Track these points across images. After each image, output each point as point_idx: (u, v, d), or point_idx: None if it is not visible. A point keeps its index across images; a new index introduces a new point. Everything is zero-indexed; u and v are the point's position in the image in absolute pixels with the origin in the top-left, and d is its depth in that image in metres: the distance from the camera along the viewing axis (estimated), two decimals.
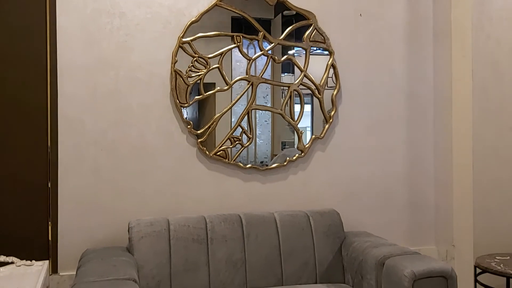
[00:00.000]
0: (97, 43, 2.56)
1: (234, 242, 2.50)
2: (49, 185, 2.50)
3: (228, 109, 2.75)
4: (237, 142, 2.78)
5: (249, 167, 2.80)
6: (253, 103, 2.79)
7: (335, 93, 2.94)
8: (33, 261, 2.23)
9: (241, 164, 2.78)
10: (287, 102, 2.86)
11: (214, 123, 2.72)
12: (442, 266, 2.15)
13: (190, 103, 2.67)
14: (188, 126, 2.68)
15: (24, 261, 2.20)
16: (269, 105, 2.87)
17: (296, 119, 2.88)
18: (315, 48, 2.93)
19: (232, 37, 2.75)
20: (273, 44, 2.81)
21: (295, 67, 2.88)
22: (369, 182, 3.02)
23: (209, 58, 2.70)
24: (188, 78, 2.66)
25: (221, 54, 2.72)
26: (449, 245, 3.04)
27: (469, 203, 2.90)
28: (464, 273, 2.87)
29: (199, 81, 2.67)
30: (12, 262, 2.20)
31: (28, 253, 2.33)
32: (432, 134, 3.14)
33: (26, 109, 2.47)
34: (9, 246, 2.36)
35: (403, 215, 3.08)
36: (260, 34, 2.79)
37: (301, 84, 2.88)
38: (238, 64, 2.79)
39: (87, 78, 2.55)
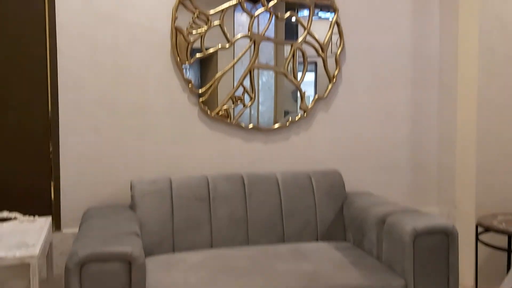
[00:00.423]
0: None
1: (236, 201, 2.51)
2: (50, 144, 2.50)
3: (229, 68, 2.71)
4: (239, 102, 2.75)
5: (251, 128, 2.78)
6: (256, 62, 2.75)
7: (339, 52, 2.88)
8: (36, 216, 2.25)
9: (243, 125, 2.76)
10: (290, 62, 2.81)
11: (216, 82, 2.68)
12: (444, 222, 2.15)
13: (191, 61, 2.63)
14: (189, 85, 2.65)
15: (27, 217, 2.22)
16: (272, 71, 2.82)
17: (299, 79, 2.84)
18: (319, 10, 2.86)
19: None
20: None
21: (299, 31, 2.81)
22: (372, 142, 3.00)
23: (210, 14, 2.64)
24: (189, 35, 2.61)
25: (222, 10, 2.66)
26: (451, 206, 3.05)
27: (472, 163, 2.88)
28: (466, 232, 2.89)
29: (200, 39, 2.62)
30: (15, 218, 2.22)
31: (31, 211, 2.35)
32: (437, 94, 3.11)
33: (26, 66, 2.45)
34: (11, 203, 2.37)
35: (405, 176, 3.08)
36: None
37: (304, 42, 2.83)
38: (241, 28, 2.72)
39: (86, 34, 2.50)
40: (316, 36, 2.84)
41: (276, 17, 2.77)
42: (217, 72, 2.69)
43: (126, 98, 2.59)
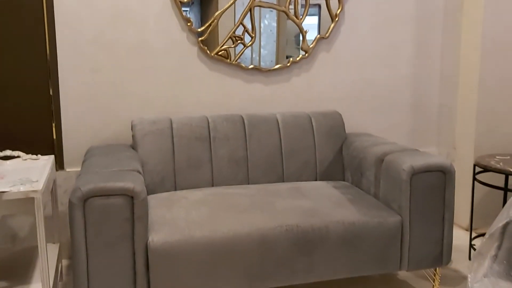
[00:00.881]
0: None
1: (236, 141, 2.52)
2: (50, 84, 2.49)
3: (230, 5, 2.64)
4: (239, 41, 2.71)
5: (252, 68, 2.75)
6: None
7: None
8: (39, 155, 2.27)
9: (243, 65, 2.73)
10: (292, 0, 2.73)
11: (215, 20, 2.63)
12: (441, 160, 2.17)
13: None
14: (188, 24, 2.60)
15: (30, 155, 2.24)
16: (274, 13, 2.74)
17: (300, 17, 2.77)
18: None
19: None
20: None
21: None
22: (373, 83, 2.98)
23: None
24: None
25: None
26: (450, 147, 3.07)
27: (473, 104, 2.87)
28: (463, 174, 2.93)
29: None
30: (18, 156, 2.24)
31: (34, 151, 2.37)
32: (441, 34, 3.04)
33: (23, 5, 2.39)
34: (14, 144, 2.39)
35: (406, 117, 3.08)
36: None
37: None
38: None
39: None
40: None
41: None
42: (218, 10, 2.63)
43: (125, 38, 2.55)
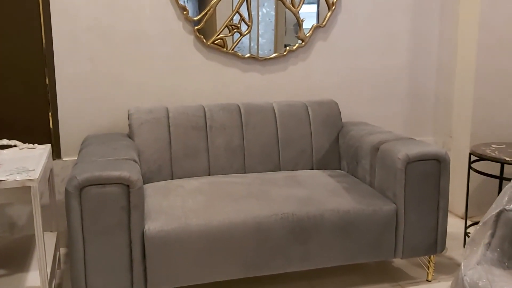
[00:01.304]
0: None
1: (232, 130, 2.53)
2: (46, 74, 2.48)
3: None
4: (235, 30, 2.70)
5: (248, 57, 2.75)
6: None
7: None
8: (36, 144, 2.28)
9: (240, 54, 2.73)
10: None
11: (211, 9, 2.62)
12: (436, 149, 2.18)
13: None
14: (184, 12, 2.59)
15: (26, 144, 2.25)
16: (272, 7, 2.74)
17: (297, 6, 2.76)
18: None
19: None
20: None
21: None
22: (370, 72, 2.98)
23: None
24: None
25: None
26: (446, 136, 3.08)
27: (469, 94, 2.88)
28: (459, 163, 2.94)
29: None
30: (15, 145, 2.24)
31: (30, 141, 2.38)
32: (438, 23, 3.04)
33: None
34: (11, 132, 2.40)
35: (402, 106, 3.08)
36: None
37: None
38: None
39: None
40: None
41: None
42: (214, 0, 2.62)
43: (120, 26, 2.54)
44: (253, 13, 2.71)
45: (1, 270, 2.01)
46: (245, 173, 2.52)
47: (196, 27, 2.62)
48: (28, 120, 2.49)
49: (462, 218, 2.94)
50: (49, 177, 2.26)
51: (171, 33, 2.61)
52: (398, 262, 2.49)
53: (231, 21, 2.68)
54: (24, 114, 2.48)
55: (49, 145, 2.31)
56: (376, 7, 2.91)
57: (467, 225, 2.69)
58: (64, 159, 2.57)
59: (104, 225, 1.83)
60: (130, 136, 2.43)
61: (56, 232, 2.38)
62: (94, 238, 1.83)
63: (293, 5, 2.76)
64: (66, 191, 1.80)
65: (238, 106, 2.59)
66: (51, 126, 2.53)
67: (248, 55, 2.74)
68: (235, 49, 2.71)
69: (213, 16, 2.64)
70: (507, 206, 1.88)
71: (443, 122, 3.10)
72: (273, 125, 2.59)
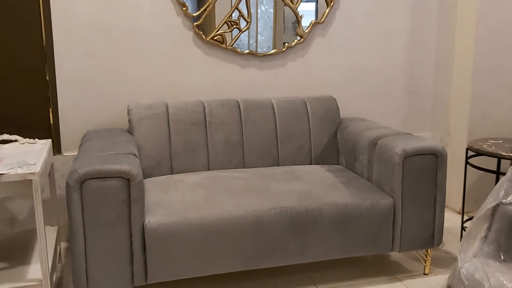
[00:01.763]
0: None
1: (232, 126, 2.55)
2: (46, 70, 2.50)
3: None
4: (234, 26, 2.72)
5: (247, 53, 2.77)
6: None
7: None
8: (36, 139, 2.30)
9: (239, 50, 2.74)
10: None
11: (210, 5, 2.64)
12: (433, 144, 2.20)
13: None
14: (184, 8, 2.60)
15: (27, 139, 2.26)
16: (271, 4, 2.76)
17: (296, 2, 2.78)
18: None
19: None
20: None
21: None
22: (368, 69, 3.00)
23: None
24: None
25: None
26: (444, 132, 3.10)
27: (467, 90, 2.90)
28: (456, 159, 2.96)
29: None
30: (16, 140, 2.26)
31: (31, 135, 2.39)
32: (436, 20, 3.06)
33: None
34: (12, 127, 2.41)
35: (400, 102, 3.10)
36: None
37: None
38: None
39: None
40: None
41: None
42: None
43: (120, 22, 2.56)
44: (252, 10, 2.72)
45: (3, 264, 2.02)
46: (244, 168, 2.54)
47: (195, 23, 2.64)
48: (28, 115, 2.50)
49: (459, 213, 2.97)
50: (49, 172, 2.27)
51: (170, 29, 2.63)
52: (395, 255, 2.51)
53: (230, 17, 2.69)
54: (24, 109, 2.49)
55: (49, 140, 2.32)
56: (374, 4, 2.93)
57: (464, 219, 2.71)
58: (64, 154, 2.58)
59: (104, 218, 1.85)
60: (130, 131, 2.45)
61: (57, 226, 2.40)
62: (94, 231, 1.85)
63: (292, 2, 2.77)
64: (67, 184, 1.82)
65: (237, 102, 2.61)
66: (51, 121, 2.55)
67: (247, 51, 2.76)
68: (234, 46, 2.73)
69: (212, 12, 2.66)
70: (504, 200, 1.90)
71: (441, 118, 3.13)
72: (272, 121, 2.61)
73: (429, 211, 2.21)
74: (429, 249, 2.30)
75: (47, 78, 2.51)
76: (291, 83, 2.87)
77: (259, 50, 2.79)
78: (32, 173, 1.79)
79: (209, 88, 2.74)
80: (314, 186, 2.23)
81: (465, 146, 2.67)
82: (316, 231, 2.08)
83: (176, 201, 2.05)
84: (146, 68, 2.63)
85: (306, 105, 2.69)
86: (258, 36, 2.79)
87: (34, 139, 2.28)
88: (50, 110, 2.54)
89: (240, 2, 2.68)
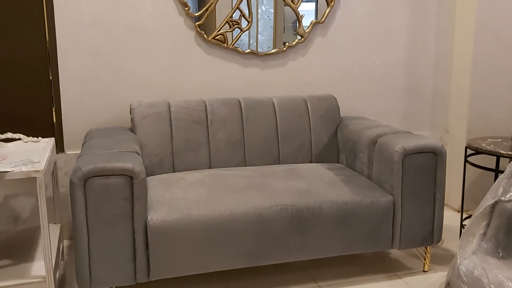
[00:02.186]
0: None
1: (233, 124, 2.57)
2: (49, 69, 2.52)
3: None
4: (235, 26, 2.74)
5: (248, 52, 2.79)
6: None
7: None
8: (39, 137, 2.32)
9: (240, 50, 2.77)
10: None
11: (212, 5, 2.66)
12: (433, 142, 2.23)
13: None
14: (185, 8, 2.63)
15: (30, 138, 2.29)
16: (271, 4, 2.76)
17: (296, 2, 2.80)
18: None
19: None
20: None
21: None
22: (368, 67, 3.02)
23: None
24: None
25: None
26: (443, 131, 3.12)
27: (466, 89, 2.92)
28: (456, 156, 2.99)
29: None
30: (19, 139, 2.28)
31: (34, 134, 2.41)
32: (435, 19, 3.08)
33: None
34: (15, 125, 2.43)
35: (400, 101, 3.13)
36: None
37: None
38: None
39: None
40: None
41: None
42: None
43: (122, 21, 2.58)
44: (253, 10, 2.74)
45: (7, 261, 2.05)
46: (245, 166, 2.56)
47: (197, 23, 2.66)
48: (31, 114, 2.52)
49: (458, 211, 2.99)
50: (53, 170, 2.30)
51: (172, 29, 2.65)
52: (395, 252, 2.53)
53: (231, 17, 2.71)
54: (27, 108, 2.51)
55: (52, 139, 2.35)
56: (374, 3, 2.96)
57: (463, 217, 2.74)
58: (67, 152, 2.61)
59: (108, 216, 1.87)
60: (132, 130, 2.47)
61: (60, 224, 2.42)
62: (98, 228, 1.87)
63: (292, 2, 2.79)
64: (71, 182, 1.84)
65: (239, 101, 2.63)
66: (54, 120, 2.57)
67: (248, 50, 2.78)
68: (235, 45, 2.75)
69: (213, 12, 2.68)
70: (502, 197, 1.92)
71: (440, 117, 3.15)
72: (273, 119, 2.64)
73: (428, 209, 2.23)
74: (428, 247, 2.32)
75: (50, 77, 2.53)
76: (291, 82, 2.90)
77: (259, 50, 2.81)
78: (37, 171, 1.82)
79: (210, 87, 2.76)
80: (314, 184, 2.25)
81: (464, 145, 2.69)
82: (316, 228, 2.10)
83: (179, 198, 2.07)
84: (149, 66, 2.65)
85: (307, 104, 2.71)
86: (258, 36, 2.81)
87: (37, 138, 2.31)
88: (53, 108, 2.56)
89: (241, 2, 2.70)
